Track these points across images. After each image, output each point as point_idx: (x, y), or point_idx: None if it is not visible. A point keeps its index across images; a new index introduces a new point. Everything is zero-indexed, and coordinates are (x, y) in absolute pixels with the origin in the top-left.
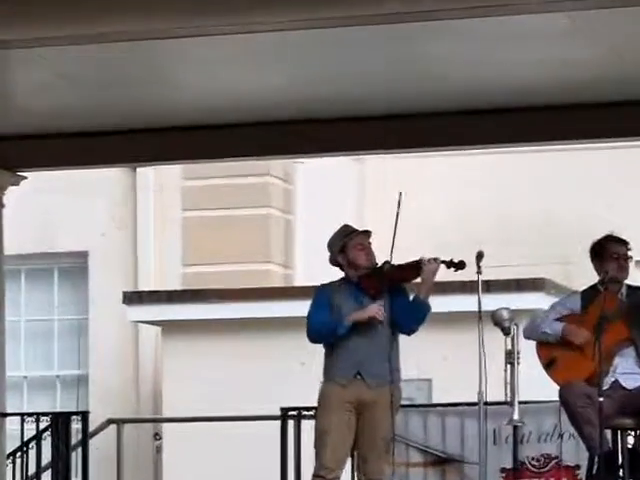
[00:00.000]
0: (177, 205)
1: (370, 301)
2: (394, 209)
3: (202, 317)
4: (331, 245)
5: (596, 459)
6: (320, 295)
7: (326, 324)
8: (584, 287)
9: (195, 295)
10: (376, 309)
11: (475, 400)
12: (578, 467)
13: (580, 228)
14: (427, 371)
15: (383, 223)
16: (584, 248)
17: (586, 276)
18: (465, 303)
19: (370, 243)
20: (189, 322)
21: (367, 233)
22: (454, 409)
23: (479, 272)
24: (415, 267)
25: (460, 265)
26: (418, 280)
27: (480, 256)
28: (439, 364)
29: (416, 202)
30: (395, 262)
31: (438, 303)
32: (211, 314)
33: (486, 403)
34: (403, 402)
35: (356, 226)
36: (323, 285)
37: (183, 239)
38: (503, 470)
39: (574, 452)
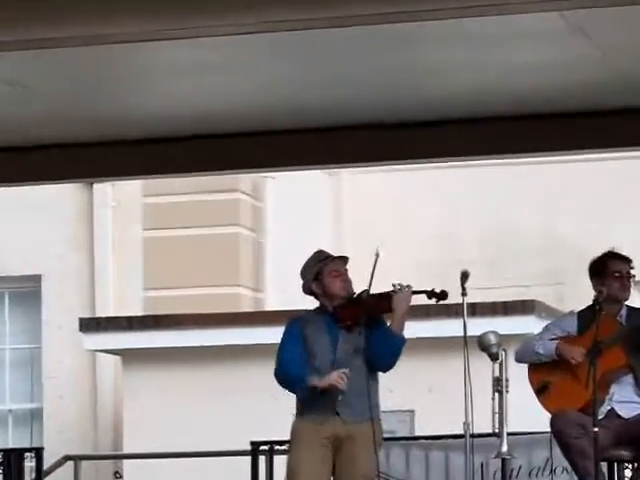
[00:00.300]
0: (137, 224)
1: (345, 334)
2: (371, 241)
3: (165, 345)
4: (304, 272)
5: None
6: (291, 330)
7: (292, 376)
8: (582, 307)
9: (157, 321)
10: (336, 378)
11: (461, 432)
12: None
13: (575, 246)
14: (409, 401)
15: (361, 242)
16: (579, 267)
17: (581, 298)
18: (449, 328)
19: (346, 270)
20: (151, 350)
21: (343, 259)
22: (439, 442)
23: (464, 294)
24: (388, 297)
25: (442, 296)
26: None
27: (465, 276)
28: (422, 393)
29: (395, 218)
30: (374, 290)
31: (420, 328)
32: (175, 342)
33: (473, 435)
34: (384, 435)
35: (333, 246)
36: (295, 318)
37: (144, 261)
38: None
39: None
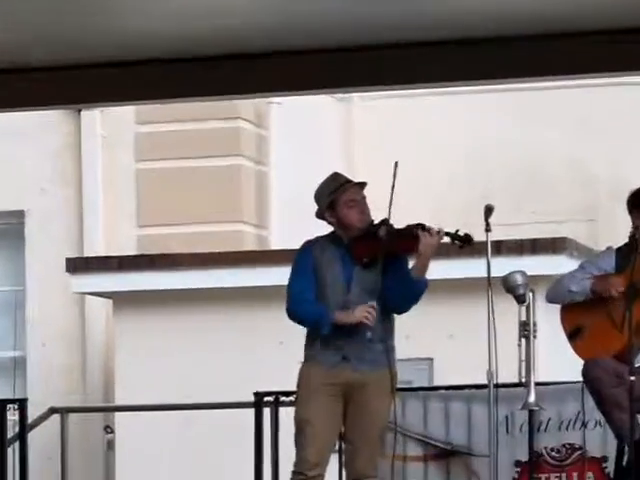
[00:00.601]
0: (130, 155)
1: (360, 271)
2: (385, 165)
3: (160, 287)
4: (318, 198)
5: (626, 449)
6: (301, 259)
7: (309, 313)
8: (620, 244)
9: (152, 261)
10: (364, 312)
11: (484, 381)
12: (605, 459)
13: (609, 178)
14: (428, 348)
15: (374, 173)
16: (614, 202)
17: (615, 236)
18: (472, 268)
19: (364, 197)
20: (145, 293)
21: (361, 185)
22: (459, 393)
23: (488, 230)
24: (414, 237)
25: (466, 240)
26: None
27: (489, 211)
28: (442, 340)
29: (412, 149)
30: (394, 225)
31: (440, 268)
32: (171, 284)
33: (497, 385)
34: (399, 385)
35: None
36: (306, 244)
37: (137, 195)
38: (517, 463)
39: (601, 441)
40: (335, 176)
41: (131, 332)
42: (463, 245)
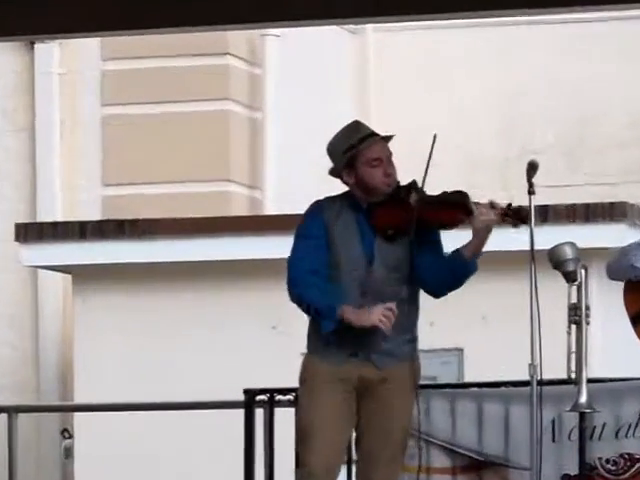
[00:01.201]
0: (94, 97)
1: (383, 243)
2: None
3: (131, 260)
4: (334, 152)
5: None
6: (310, 225)
7: (314, 302)
8: None
9: (120, 228)
10: (379, 316)
11: (525, 377)
12: None
13: None
14: (456, 337)
15: (392, 122)
16: None
17: None
18: (511, 238)
19: (391, 154)
20: (112, 267)
21: (387, 139)
22: (495, 391)
23: (531, 192)
24: (462, 208)
25: (521, 216)
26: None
27: (533, 169)
28: (474, 326)
29: (438, 93)
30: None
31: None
32: (144, 255)
33: (541, 382)
34: (423, 382)
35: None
36: (316, 206)
37: (103, 147)
38: (566, 478)
39: None
40: (356, 126)
41: (94, 315)
42: (517, 223)
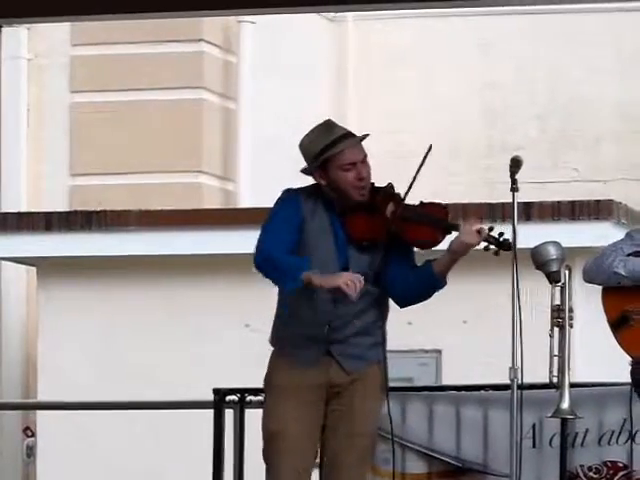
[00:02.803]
0: (63, 84)
1: (357, 253)
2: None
3: (98, 253)
4: (305, 152)
5: None
6: (287, 207)
7: (282, 259)
8: None
9: (87, 220)
10: (346, 279)
11: (506, 381)
12: None
13: None
14: (435, 338)
15: (371, 113)
16: None
17: None
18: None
19: (365, 157)
20: (78, 260)
21: (361, 139)
22: (474, 395)
23: (514, 189)
24: (442, 228)
25: (505, 246)
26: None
27: (516, 164)
28: (453, 327)
29: (419, 82)
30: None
31: (453, 236)
32: (112, 249)
33: (522, 386)
34: (399, 384)
35: (334, 119)
36: (294, 193)
37: (71, 136)
38: None
39: None
40: (328, 127)
41: (59, 310)
42: (499, 251)
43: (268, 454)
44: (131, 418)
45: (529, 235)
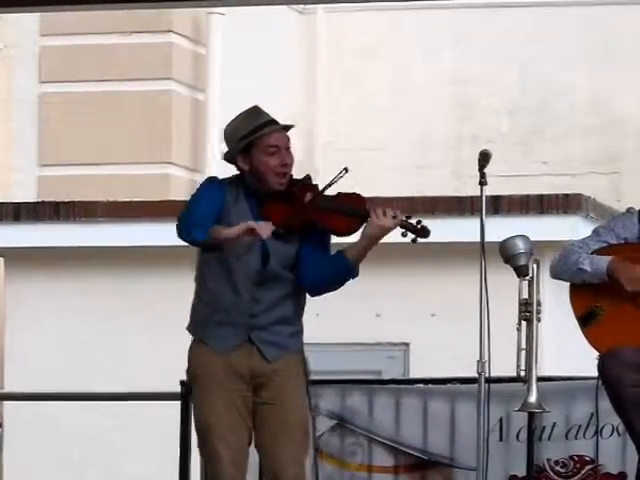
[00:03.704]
0: (32, 75)
1: (276, 241)
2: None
3: (66, 244)
4: (230, 136)
5: None
6: (210, 191)
7: (190, 217)
8: None
9: (56, 210)
10: (252, 224)
11: (473, 374)
12: (624, 476)
13: (637, 118)
14: (403, 330)
15: (341, 105)
16: None
17: None
18: (461, 230)
19: (289, 144)
20: (46, 251)
21: (287, 128)
22: (441, 388)
23: (483, 183)
24: (359, 217)
25: (422, 233)
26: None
27: (485, 158)
28: (421, 320)
29: (388, 74)
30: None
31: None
32: (80, 239)
33: (489, 380)
34: (367, 377)
35: (302, 110)
36: (217, 180)
37: (40, 127)
38: (513, 478)
39: (618, 453)
40: (255, 112)
41: (27, 300)
42: (416, 238)
43: (204, 447)
44: (98, 409)
45: (497, 228)
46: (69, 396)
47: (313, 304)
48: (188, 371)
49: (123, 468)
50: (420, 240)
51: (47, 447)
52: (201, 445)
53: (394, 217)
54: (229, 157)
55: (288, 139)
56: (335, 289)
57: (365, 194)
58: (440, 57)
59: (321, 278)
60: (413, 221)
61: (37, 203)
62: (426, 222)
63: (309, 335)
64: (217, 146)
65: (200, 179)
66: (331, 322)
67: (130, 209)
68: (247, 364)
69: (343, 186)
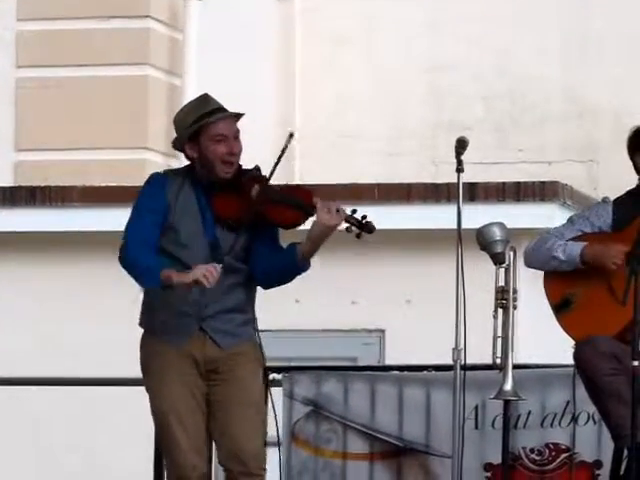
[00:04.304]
0: (8, 60)
1: (225, 233)
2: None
3: (42, 228)
4: (179, 122)
5: (626, 453)
6: (150, 194)
7: (138, 260)
8: (620, 195)
9: (31, 195)
10: (204, 272)
11: (449, 362)
12: (599, 464)
13: (613, 110)
14: (379, 317)
15: (318, 91)
16: (618, 139)
17: (620, 181)
18: (438, 217)
19: (238, 133)
20: (21, 236)
21: (237, 117)
22: (417, 375)
23: (459, 170)
24: (305, 210)
25: (366, 228)
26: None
27: (461, 145)
28: (397, 307)
29: (365, 61)
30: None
31: (398, 216)
32: (56, 224)
33: (465, 367)
34: (342, 363)
35: (279, 96)
36: (158, 177)
37: (16, 111)
38: (488, 467)
39: (594, 442)
40: (204, 100)
41: (1, 284)
42: (361, 233)
43: (163, 435)
44: (69, 394)
45: (474, 216)
46: (41, 381)
47: (291, 290)
48: (141, 363)
49: (98, 454)
50: (365, 236)
51: (19, 433)
52: (160, 434)
53: (338, 212)
54: (178, 145)
55: (236, 127)
56: (286, 282)
57: (341, 181)
58: (416, 43)
59: (273, 272)
60: (358, 216)
61: (12, 188)
62: (402, 209)
63: (286, 322)
64: None
65: (176, 164)
66: (307, 309)
67: (106, 194)
68: (201, 352)
69: (320, 177)
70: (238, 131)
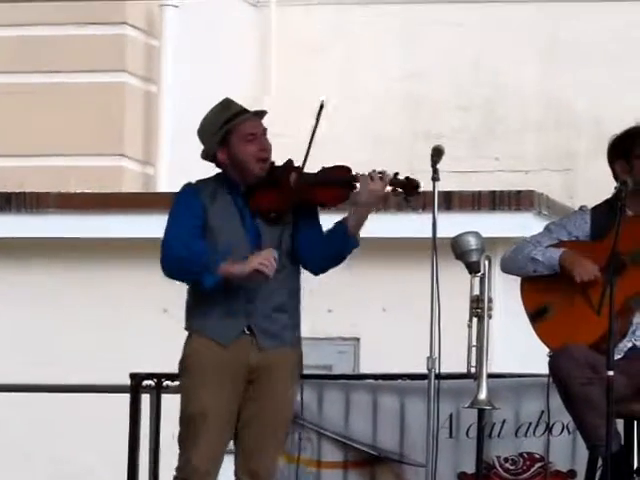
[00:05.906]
0: None
1: (264, 227)
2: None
3: (16, 234)
4: (206, 130)
5: (600, 462)
6: (185, 202)
7: (189, 257)
8: (598, 203)
9: (6, 201)
10: (260, 259)
11: (423, 370)
12: (573, 474)
13: (591, 118)
14: (354, 325)
15: (295, 100)
16: (596, 147)
17: (597, 190)
18: (413, 225)
19: (265, 131)
20: None
21: (261, 115)
22: (391, 384)
23: (435, 179)
24: (345, 185)
25: (412, 184)
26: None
27: (437, 154)
28: (372, 315)
29: (342, 70)
30: (309, 165)
31: (373, 225)
32: (30, 230)
33: (439, 376)
34: (317, 371)
35: (255, 105)
36: (190, 187)
37: None
38: (462, 476)
39: (568, 451)
40: (227, 104)
41: None
42: (408, 195)
43: (185, 437)
44: (48, 401)
45: (449, 225)
46: (16, 387)
47: None
48: (181, 362)
49: (71, 461)
50: (412, 199)
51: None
52: (184, 431)
53: (381, 178)
54: (206, 154)
55: (263, 125)
56: (339, 263)
57: None
58: (391, 52)
59: (324, 253)
60: (401, 177)
61: None
62: (377, 217)
63: None
64: (170, 139)
65: (152, 172)
66: None
67: (82, 201)
68: (245, 355)
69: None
70: (265, 128)
